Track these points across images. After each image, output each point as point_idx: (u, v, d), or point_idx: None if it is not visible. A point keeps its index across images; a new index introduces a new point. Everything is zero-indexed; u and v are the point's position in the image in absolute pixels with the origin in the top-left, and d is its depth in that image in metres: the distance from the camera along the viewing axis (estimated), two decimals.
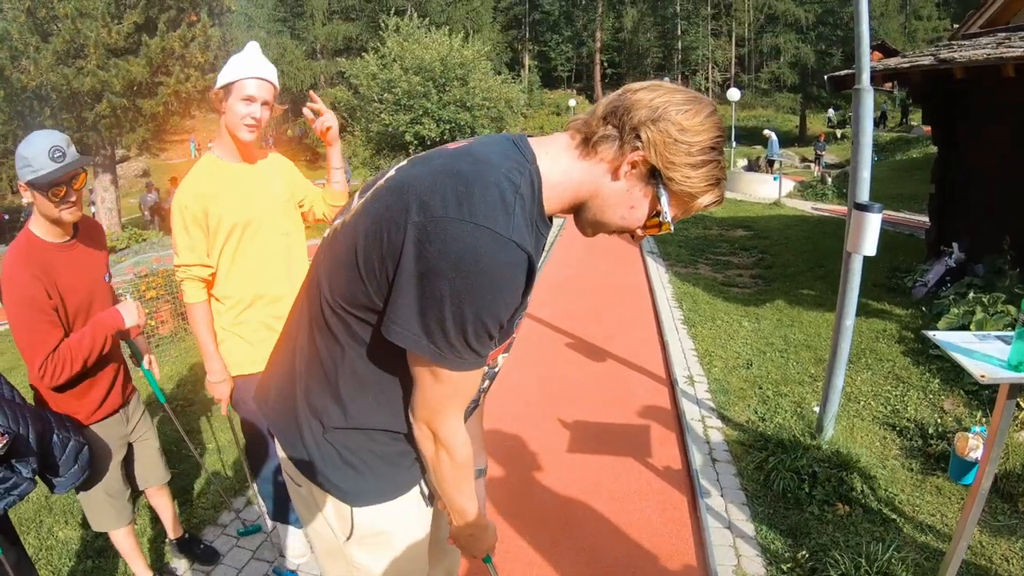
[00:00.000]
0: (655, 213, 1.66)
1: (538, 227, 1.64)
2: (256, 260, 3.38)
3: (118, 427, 3.41)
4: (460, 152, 1.63)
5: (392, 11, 29.68)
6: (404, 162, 1.72)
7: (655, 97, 1.57)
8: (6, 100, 22.42)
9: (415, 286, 1.50)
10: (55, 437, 2.75)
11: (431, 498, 2.12)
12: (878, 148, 34.59)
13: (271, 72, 3.28)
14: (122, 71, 21.91)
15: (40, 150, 2.79)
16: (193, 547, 3.98)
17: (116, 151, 25.89)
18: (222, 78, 3.19)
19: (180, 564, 4.10)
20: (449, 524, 2.08)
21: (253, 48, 3.30)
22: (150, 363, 3.57)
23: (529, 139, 1.71)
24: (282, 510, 4.02)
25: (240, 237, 3.31)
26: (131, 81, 22.15)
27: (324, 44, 55.34)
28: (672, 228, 1.66)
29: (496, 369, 1.93)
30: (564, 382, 6.71)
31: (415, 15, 28.12)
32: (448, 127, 24.59)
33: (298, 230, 3.66)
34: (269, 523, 4.21)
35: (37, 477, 2.67)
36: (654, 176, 1.61)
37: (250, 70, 3.18)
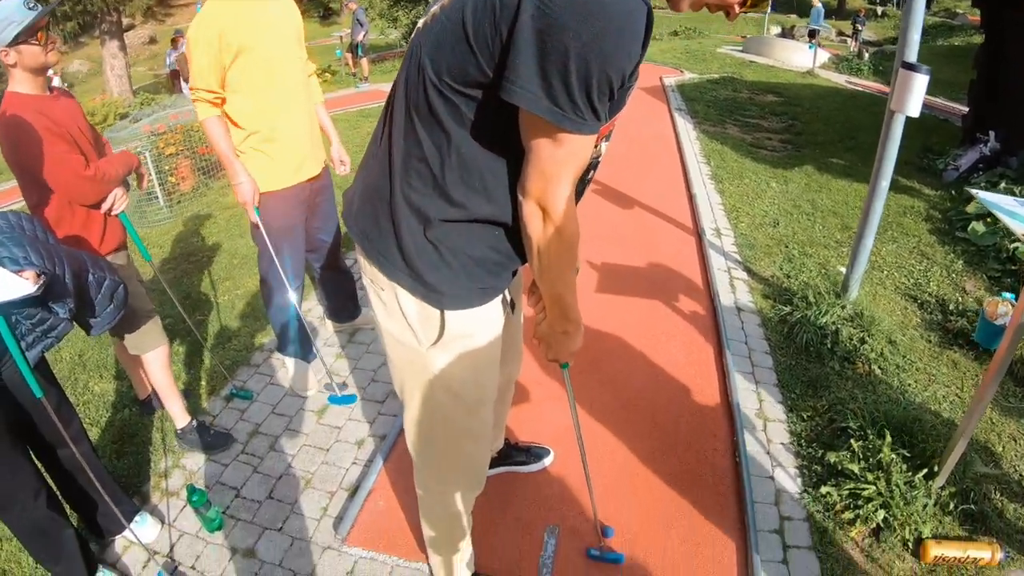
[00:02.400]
0: None
1: None
2: (270, 83, 3.65)
3: (126, 261, 3.55)
4: None
5: None
6: None
7: None
8: None
9: (535, 44, 1.45)
10: (91, 276, 2.76)
11: (512, 305, 2.20)
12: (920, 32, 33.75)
13: None
14: None
15: (14, 6, 2.98)
16: (203, 436, 3.88)
17: (122, 18, 25.16)
18: None
19: (215, 405, 4.24)
20: (538, 324, 2.14)
21: None
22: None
23: None
24: (290, 343, 4.32)
25: (254, 58, 3.54)
26: None
27: None
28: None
29: (599, 157, 1.93)
30: (591, 227, 6.70)
31: None
32: None
33: (304, 58, 3.94)
34: (288, 361, 4.39)
35: (73, 321, 2.71)
36: None
37: None
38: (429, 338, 1.99)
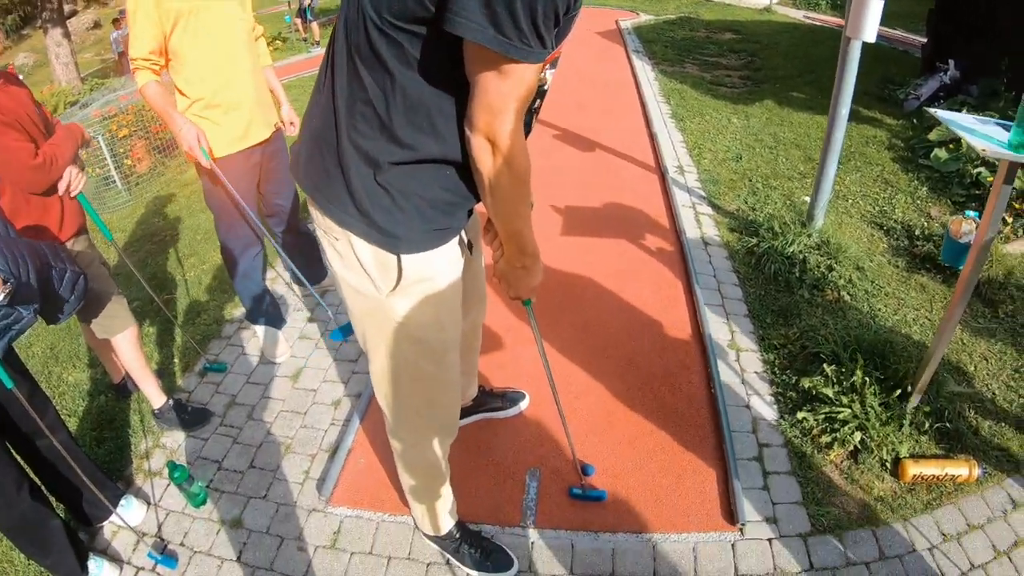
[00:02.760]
0: None
1: None
2: (214, 46, 3.56)
3: (87, 245, 3.45)
4: None
5: None
6: None
7: None
8: None
9: None
10: (53, 272, 2.71)
11: (470, 246, 2.18)
12: None
13: None
14: None
15: None
16: (180, 415, 3.84)
17: (64, 5, 24.54)
18: None
19: (190, 381, 4.20)
20: (496, 262, 2.12)
21: None
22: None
23: None
24: (259, 311, 4.29)
25: (195, 22, 3.45)
26: None
27: None
28: None
29: (546, 87, 1.89)
30: (554, 171, 6.68)
31: None
32: None
33: (250, 21, 3.85)
34: (259, 330, 4.37)
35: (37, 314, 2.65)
36: None
37: None
38: (387, 284, 1.96)
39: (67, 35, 23.95)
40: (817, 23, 16.07)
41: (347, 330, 4.22)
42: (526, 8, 1.43)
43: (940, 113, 3.07)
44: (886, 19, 4.29)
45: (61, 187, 3.18)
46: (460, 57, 1.58)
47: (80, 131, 3.39)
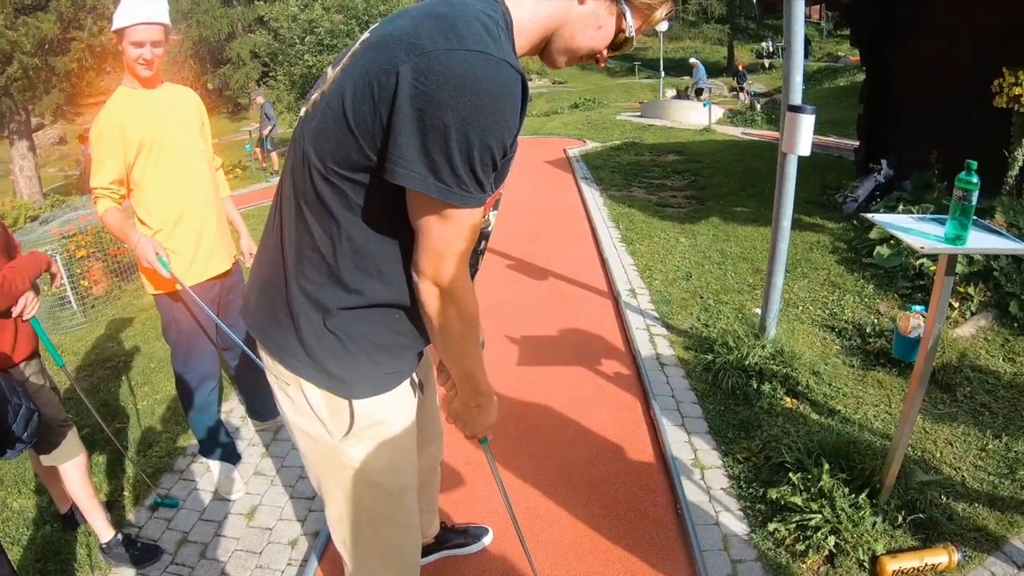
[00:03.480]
0: (619, 31, 1.74)
1: None
2: (176, 177, 3.64)
3: (38, 369, 3.41)
4: (432, 1, 1.60)
5: None
6: (373, 26, 1.70)
7: None
8: None
9: (415, 123, 1.48)
10: (8, 407, 2.70)
11: (422, 386, 2.17)
12: (806, 77, 34.92)
13: (159, 12, 3.47)
14: (32, 29, 21.00)
15: None
16: (129, 551, 3.67)
17: (31, 118, 25.00)
18: (115, 21, 3.44)
19: (140, 516, 4.07)
20: (450, 403, 2.12)
21: None
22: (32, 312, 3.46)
23: None
24: (213, 445, 4.20)
25: (157, 153, 3.57)
26: (42, 39, 21.27)
27: None
28: (634, 44, 1.77)
29: (489, 228, 1.92)
30: (509, 302, 6.75)
31: None
32: None
33: (210, 152, 3.94)
34: (213, 465, 4.29)
35: None
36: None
37: (137, 15, 3.38)
38: (340, 429, 1.94)
39: (32, 148, 24.13)
40: (755, 138, 16.62)
41: (171, 503, 4.13)
42: (464, 156, 1.49)
43: (876, 217, 3.17)
44: (820, 127, 4.47)
45: (15, 310, 3.18)
46: (404, 204, 1.62)
47: (46, 260, 3.41)
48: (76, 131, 32.27)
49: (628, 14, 1.71)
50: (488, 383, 2.03)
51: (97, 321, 7.85)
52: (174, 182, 3.62)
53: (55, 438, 3.34)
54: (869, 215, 3.23)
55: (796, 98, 4.59)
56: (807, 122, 4.39)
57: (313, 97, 1.73)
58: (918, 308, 4.80)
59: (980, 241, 2.81)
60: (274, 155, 18.44)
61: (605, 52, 1.80)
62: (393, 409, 1.99)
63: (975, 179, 2.66)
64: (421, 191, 1.53)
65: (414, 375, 2.08)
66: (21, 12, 21.24)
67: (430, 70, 1.45)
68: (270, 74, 29.73)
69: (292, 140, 1.80)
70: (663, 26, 29.74)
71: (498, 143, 1.54)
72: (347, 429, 1.94)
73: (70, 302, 7.99)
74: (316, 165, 1.65)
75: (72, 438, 3.44)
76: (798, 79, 4.63)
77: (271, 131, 18.55)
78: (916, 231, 2.93)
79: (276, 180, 17.49)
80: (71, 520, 3.93)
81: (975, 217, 2.89)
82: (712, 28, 57.86)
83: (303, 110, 1.77)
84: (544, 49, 1.79)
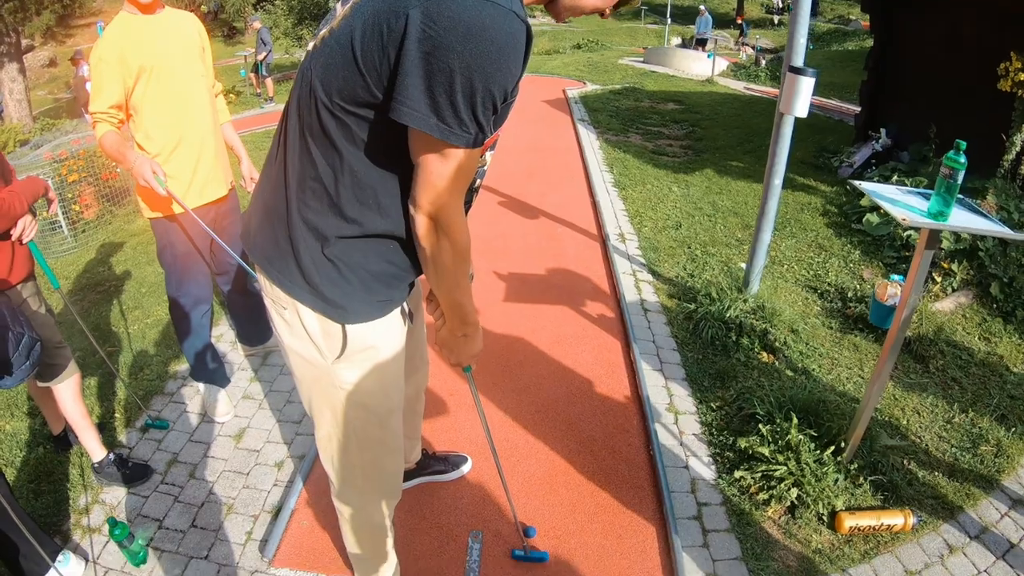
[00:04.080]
0: None
1: None
2: (175, 102, 3.66)
3: (34, 291, 3.48)
4: None
5: None
6: None
7: None
8: None
9: (422, 66, 1.53)
10: (9, 334, 2.76)
11: (411, 316, 2.26)
12: (814, 37, 34.53)
13: None
14: None
15: None
16: (120, 470, 3.79)
17: (21, 40, 24.58)
18: None
19: (131, 437, 4.16)
20: (438, 331, 2.21)
21: None
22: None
23: None
24: (203, 369, 4.30)
25: (157, 78, 3.55)
26: None
27: None
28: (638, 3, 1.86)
29: (484, 167, 2.00)
30: (498, 238, 6.82)
31: None
32: None
33: (211, 77, 3.97)
34: (202, 388, 4.39)
35: None
36: None
37: None
38: (333, 352, 2.03)
39: (23, 71, 23.79)
40: (757, 94, 16.53)
41: (161, 424, 4.23)
42: (466, 98, 1.56)
43: (864, 185, 3.24)
44: (823, 89, 4.51)
45: (14, 233, 3.23)
46: (405, 140, 1.69)
47: (44, 186, 3.43)
48: (67, 53, 31.67)
49: None
50: (475, 314, 2.13)
51: (88, 246, 7.85)
52: (173, 107, 3.65)
53: (51, 360, 3.42)
54: (858, 182, 3.30)
55: (798, 59, 4.61)
56: (807, 84, 4.42)
57: (322, 32, 1.77)
58: (897, 278, 4.91)
59: (962, 220, 2.89)
60: (269, 81, 18.17)
61: (608, 10, 1.87)
62: (384, 335, 2.08)
63: (963, 159, 2.73)
64: (423, 130, 1.60)
65: (404, 304, 2.17)
66: None
67: (439, 15, 1.50)
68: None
69: (299, 73, 1.85)
70: None
71: (500, 89, 1.61)
72: (339, 352, 2.03)
73: (61, 227, 7.97)
74: (322, 99, 1.71)
75: (66, 360, 3.52)
76: (802, 40, 4.65)
77: (267, 56, 18.22)
78: (901, 203, 3.01)
79: (271, 106, 17.30)
80: (64, 441, 4.03)
81: (962, 196, 2.99)
82: None
83: (311, 44, 1.82)
84: (551, 2, 1.85)
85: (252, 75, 19.76)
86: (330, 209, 1.84)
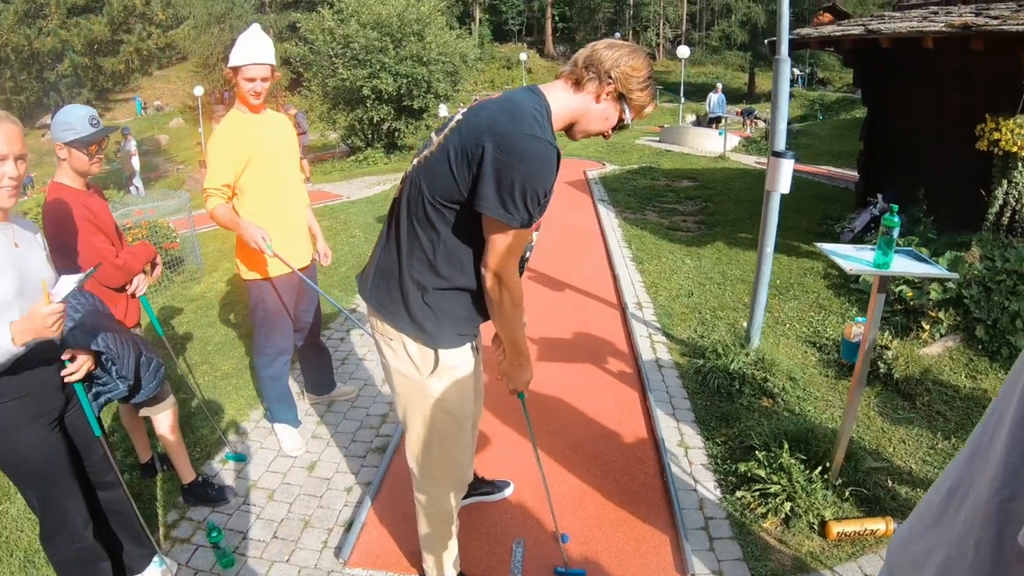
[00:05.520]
0: (620, 120, 2.72)
1: None
2: (273, 186, 4.39)
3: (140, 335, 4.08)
4: (503, 99, 2.54)
5: None
6: (464, 111, 2.62)
7: (613, 52, 2.59)
8: None
9: (494, 177, 2.35)
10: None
11: (478, 350, 3.11)
12: (823, 107, 35.21)
13: (268, 53, 4.21)
14: (83, 30, 21.55)
15: (80, 116, 3.69)
16: (207, 491, 4.29)
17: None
18: (233, 59, 4.18)
19: (213, 467, 4.71)
20: (500, 362, 3.01)
21: (257, 32, 4.23)
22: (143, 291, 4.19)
23: (540, 86, 2.64)
24: (279, 410, 4.88)
25: (260, 166, 4.27)
26: (92, 39, 21.76)
27: None
28: (629, 125, 2.78)
29: (532, 244, 2.92)
30: (531, 310, 7.13)
31: None
32: (405, 81, 24.39)
33: (299, 166, 4.69)
34: (277, 427, 4.95)
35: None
36: (620, 98, 2.64)
37: (252, 57, 4.13)
38: (427, 369, 2.83)
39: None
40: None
41: (239, 458, 4.76)
42: (522, 197, 2.37)
43: (823, 246, 3.93)
44: (831, 159, 5.12)
45: (130, 289, 4.01)
46: (480, 223, 2.50)
47: (153, 252, 4.20)
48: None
49: (627, 110, 2.68)
50: (527, 348, 2.94)
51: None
52: (272, 191, 4.35)
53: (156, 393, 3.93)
54: (819, 244, 3.98)
55: (780, 144, 5.37)
56: (787, 165, 5.18)
57: (425, 153, 2.63)
58: (860, 319, 5.55)
59: (903, 266, 3.61)
60: (304, 162, 18.68)
61: (609, 131, 2.78)
62: (463, 358, 2.91)
63: (896, 219, 3.43)
64: (493, 216, 2.40)
65: (476, 341, 3.04)
66: (74, 13, 21.81)
67: (504, 145, 2.34)
68: (301, 82, 29.98)
69: (407, 180, 2.72)
70: (684, 51, 30.37)
71: (543, 190, 2.43)
72: (432, 369, 2.83)
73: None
74: (428, 197, 2.55)
75: (167, 393, 4.00)
76: (782, 127, 5.42)
77: (303, 139, 18.82)
78: (852, 258, 3.71)
79: (307, 187, 17.89)
80: (150, 468, 4.55)
81: (911, 249, 3.69)
82: (734, 55, 57.80)
83: (415, 160, 2.69)
84: (568, 129, 2.74)
85: None
86: (429, 269, 2.65)
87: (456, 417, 2.97)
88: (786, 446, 4.18)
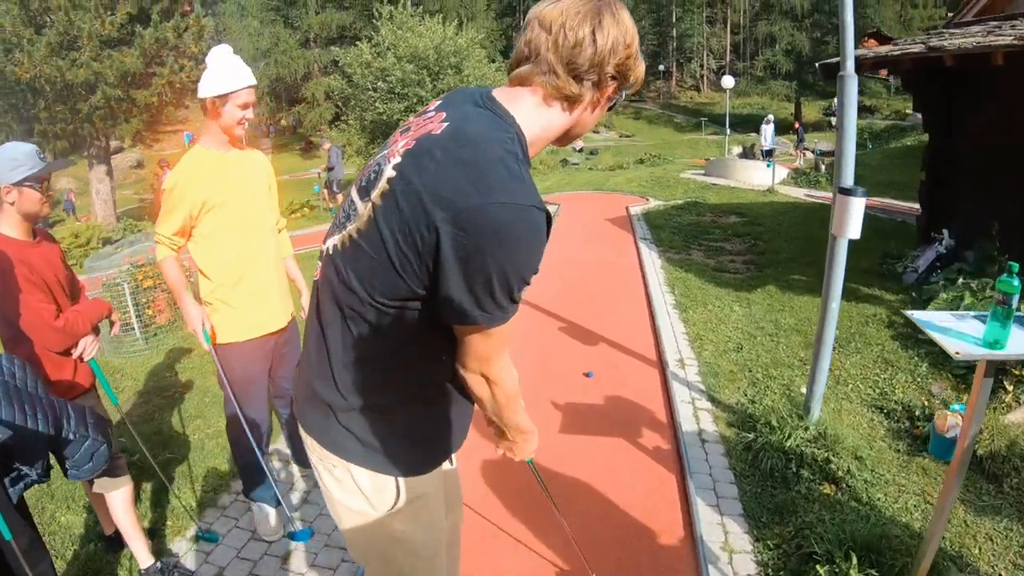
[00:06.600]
0: (612, 102, 2.01)
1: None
2: (240, 238, 3.90)
3: (94, 403, 3.70)
4: (451, 137, 1.77)
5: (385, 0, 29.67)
6: (396, 158, 1.83)
7: (601, 35, 1.82)
8: (0, 93, 22.74)
9: (459, 269, 1.67)
10: (71, 434, 2.86)
11: (452, 460, 2.49)
12: (872, 136, 34.69)
13: (253, 76, 3.83)
14: (116, 62, 22.25)
15: (28, 151, 3.36)
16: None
17: (110, 143, 26.25)
18: (216, 87, 3.70)
19: (180, 546, 4.23)
20: (502, 441, 2.41)
21: (230, 54, 3.83)
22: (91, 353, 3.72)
23: (495, 97, 1.90)
24: (255, 488, 4.36)
25: (225, 214, 3.80)
26: (125, 72, 22.54)
27: (318, 33, 55.66)
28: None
29: None
30: (557, 364, 6.82)
31: (408, 3, 27.98)
32: None
33: (275, 214, 4.21)
34: (254, 506, 4.44)
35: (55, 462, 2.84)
36: (619, 86, 1.94)
37: (243, 80, 3.73)
38: (385, 505, 2.11)
39: (110, 173, 25.65)
40: (818, 200, 16.50)
41: (303, 536, 4.26)
42: (503, 289, 1.70)
43: (914, 315, 3.17)
44: (884, 189, 4.45)
45: (75, 352, 3.50)
46: (441, 318, 1.82)
47: (107, 308, 3.77)
48: (154, 156, 33.51)
49: (623, 94, 1.99)
50: (528, 421, 2.31)
51: (158, 349, 8.22)
52: (240, 242, 3.84)
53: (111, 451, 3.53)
54: (910, 313, 3.24)
55: (848, 178, 4.58)
56: (858, 205, 4.38)
57: (348, 230, 1.90)
58: (957, 407, 4.76)
59: (1021, 345, 2.80)
60: (340, 197, 19.26)
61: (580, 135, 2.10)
62: (432, 482, 2.19)
63: (1016, 283, 2.66)
64: (469, 323, 1.77)
65: (452, 456, 2.35)
66: (107, 45, 22.47)
67: (468, 224, 1.64)
68: (342, 117, 30.58)
69: (328, 261, 1.99)
70: (729, 82, 30.04)
71: (530, 272, 1.74)
72: (391, 504, 2.11)
73: (134, 328, 8.45)
74: (365, 297, 1.85)
75: (120, 471, 3.69)
76: (850, 160, 4.62)
77: (334, 173, 19.79)
78: (954, 332, 2.93)
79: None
80: (115, 542, 4.14)
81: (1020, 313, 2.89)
82: (779, 84, 58.09)
83: (335, 238, 1.97)
84: (559, 140, 2.03)
85: (325, 191, 20.69)
86: (377, 377, 1.98)
87: (426, 557, 2.28)
88: (854, 559, 3.44)
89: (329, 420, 2.06)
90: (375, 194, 1.83)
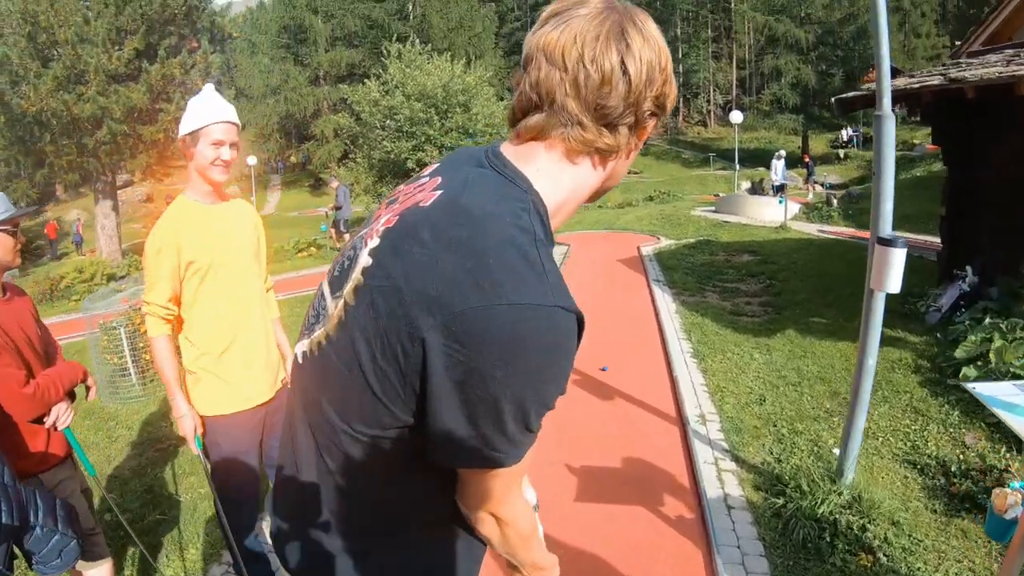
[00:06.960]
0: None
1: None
2: (228, 303, 3.55)
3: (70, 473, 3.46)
4: (443, 211, 1.36)
5: (394, 38, 29.77)
6: (374, 239, 1.44)
7: (638, 65, 1.35)
8: (7, 126, 23.14)
9: (457, 396, 1.26)
10: (38, 530, 2.61)
11: None
12: None
13: (233, 113, 3.49)
14: (122, 97, 22.62)
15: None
16: None
17: (116, 177, 26.48)
18: (188, 124, 3.40)
19: None
20: (513, 572, 1.88)
21: (211, 91, 3.51)
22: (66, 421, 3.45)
23: (503, 154, 1.47)
24: (246, 563, 4.02)
25: (214, 276, 3.47)
26: (131, 107, 22.95)
27: (327, 71, 56.28)
28: None
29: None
30: (570, 425, 6.52)
31: (417, 42, 28.25)
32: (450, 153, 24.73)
33: (263, 273, 3.89)
34: None
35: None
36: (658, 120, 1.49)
37: (216, 115, 3.38)
38: None
39: (116, 208, 25.79)
40: (831, 236, 16.38)
41: None
42: (518, 420, 1.29)
43: (976, 388, 2.91)
44: (897, 222, 4.20)
45: (48, 421, 3.19)
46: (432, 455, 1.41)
47: (82, 372, 3.47)
48: (163, 191, 33.80)
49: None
50: (547, 557, 1.82)
51: (155, 396, 8.04)
52: (228, 308, 3.54)
53: (83, 545, 3.31)
54: (970, 385, 2.97)
55: (886, 227, 4.30)
56: (899, 257, 4.11)
57: (317, 335, 1.51)
58: (1017, 485, 4.47)
59: None
60: (347, 236, 19.28)
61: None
62: None
63: None
64: (474, 468, 1.38)
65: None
66: (114, 81, 22.77)
67: (465, 334, 1.22)
68: (350, 155, 30.78)
69: (295, 373, 1.62)
70: (737, 117, 29.98)
71: (556, 393, 1.33)
72: None
73: (130, 373, 8.30)
74: (337, 424, 1.44)
75: (99, 546, 3.50)
76: (888, 207, 4.33)
77: (341, 212, 19.98)
78: (1022, 408, 2.68)
79: None
80: None
81: None
82: (786, 118, 58.36)
83: (304, 343, 1.58)
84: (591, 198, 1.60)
85: (332, 230, 20.70)
86: (358, 522, 1.57)
87: None
88: None
89: (313, 556, 1.63)
90: (347, 289, 1.42)
